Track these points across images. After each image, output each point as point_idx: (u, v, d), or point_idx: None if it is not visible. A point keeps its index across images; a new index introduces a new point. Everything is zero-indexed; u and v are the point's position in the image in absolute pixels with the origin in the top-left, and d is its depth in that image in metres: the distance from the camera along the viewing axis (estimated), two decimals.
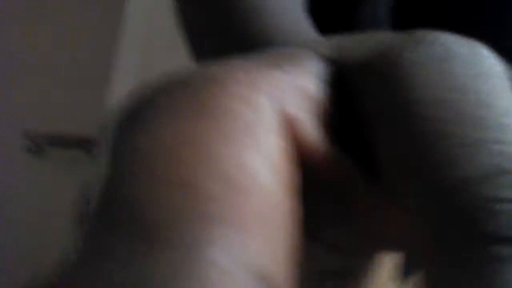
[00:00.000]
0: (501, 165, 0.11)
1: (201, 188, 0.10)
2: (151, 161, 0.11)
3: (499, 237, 0.10)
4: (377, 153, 0.13)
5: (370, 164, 0.13)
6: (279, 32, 0.27)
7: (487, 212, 0.10)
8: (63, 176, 1.30)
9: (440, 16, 0.52)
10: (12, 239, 1.31)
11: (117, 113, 0.12)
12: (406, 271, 0.18)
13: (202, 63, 0.13)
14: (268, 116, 0.12)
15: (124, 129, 0.12)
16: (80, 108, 1.32)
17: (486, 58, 0.12)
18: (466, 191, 0.10)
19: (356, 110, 0.13)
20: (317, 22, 0.37)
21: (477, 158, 0.11)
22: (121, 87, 1.24)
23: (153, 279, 0.09)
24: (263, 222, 0.11)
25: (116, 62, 1.26)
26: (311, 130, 0.13)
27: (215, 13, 0.29)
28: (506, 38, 0.50)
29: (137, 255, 0.10)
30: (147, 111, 0.12)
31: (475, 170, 0.10)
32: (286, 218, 0.11)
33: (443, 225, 0.10)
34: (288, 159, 0.12)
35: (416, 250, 0.11)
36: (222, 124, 0.11)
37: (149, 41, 1.20)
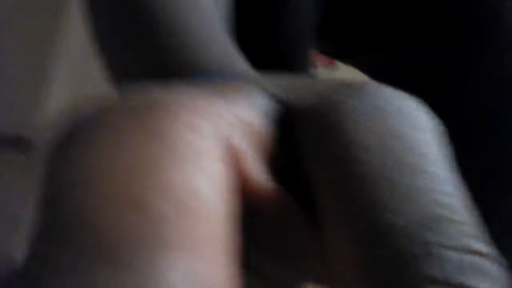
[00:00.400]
0: (436, 211, 0.11)
1: (154, 210, 0.10)
2: (102, 182, 0.11)
3: (434, 280, 0.10)
4: (313, 196, 0.13)
5: (307, 204, 0.13)
6: (211, 67, 0.26)
7: (423, 256, 0.10)
8: None
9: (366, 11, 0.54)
10: None
11: (59, 129, 0.12)
12: None
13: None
14: (214, 145, 0.12)
15: (69, 148, 0.12)
16: (16, 108, 1.28)
17: (421, 112, 0.13)
18: (402, 236, 0.11)
19: (297, 151, 0.14)
20: (241, 21, 0.36)
21: (413, 204, 0.11)
22: (60, 87, 1.21)
23: None
24: (211, 246, 0.11)
25: (55, 61, 1.24)
26: (253, 163, 0.13)
27: (140, 48, 0.28)
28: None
29: (91, 275, 0.10)
30: (93, 131, 0.12)
31: (412, 216, 0.11)
32: (229, 243, 0.12)
33: (377, 268, 0.11)
34: (231, 187, 0.12)
35: None
36: (171, 149, 0.11)
37: (89, 42, 1.18)
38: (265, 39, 0.43)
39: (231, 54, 0.28)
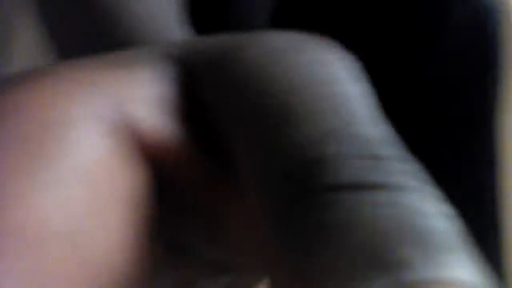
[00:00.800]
0: (341, 124, 0.11)
1: None
2: None
3: (331, 186, 0.10)
4: (227, 150, 0.12)
5: (224, 166, 0.13)
6: (146, 39, 0.27)
7: (327, 163, 0.10)
8: None
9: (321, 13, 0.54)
10: None
11: None
12: None
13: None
14: (98, 118, 0.11)
15: None
16: None
17: (325, 48, 0.13)
18: (307, 149, 0.10)
19: (205, 111, 0.13)
20: (192, 7, 0.36)
21: (318, 122, 0.11)
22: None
23: None
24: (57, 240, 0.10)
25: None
26: (159, 128, 0.12)
27: (78, 18, 0.29)
28: None
29: None
30: None
31: (316, 130, 0.11)
32: (102, 234, 0.11)
33: (283, 185, 0.10)
34: (124, 163, 0.12)
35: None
36: (21, 137, 0.10)
37: None
38: (215, 24, 0.42)
39: (171, 27, 0.28)
